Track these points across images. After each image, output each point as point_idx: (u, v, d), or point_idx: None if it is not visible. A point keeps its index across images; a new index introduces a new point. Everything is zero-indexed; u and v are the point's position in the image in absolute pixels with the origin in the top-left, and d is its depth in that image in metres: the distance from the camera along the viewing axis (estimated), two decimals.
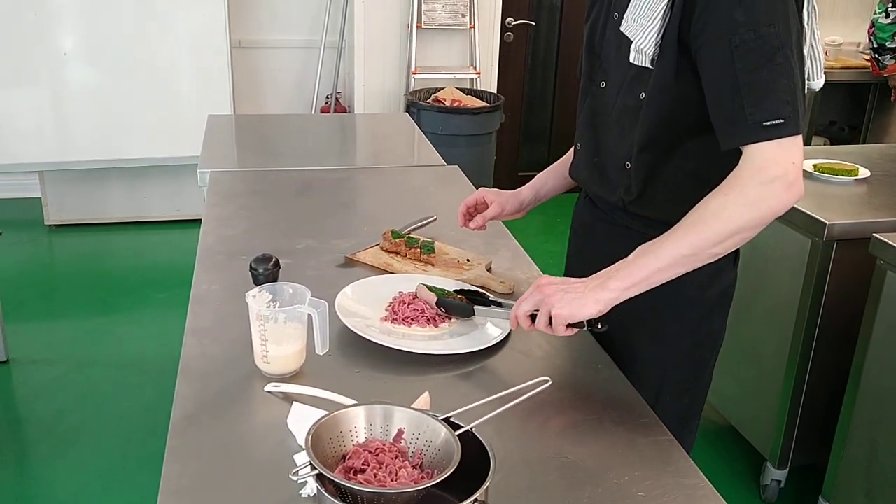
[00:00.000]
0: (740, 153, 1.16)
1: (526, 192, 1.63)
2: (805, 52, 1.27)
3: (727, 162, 1.17)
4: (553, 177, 1.63)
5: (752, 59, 1.13)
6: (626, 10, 1.28)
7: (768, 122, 1.12)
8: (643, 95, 1.30)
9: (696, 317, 1.41)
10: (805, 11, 1.24)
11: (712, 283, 1.39)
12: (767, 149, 1.13)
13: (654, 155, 1.32)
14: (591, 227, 1.52)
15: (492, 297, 1.43)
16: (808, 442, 2.37)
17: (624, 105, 1.34)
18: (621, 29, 1.29)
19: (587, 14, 1.44)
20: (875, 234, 2.00)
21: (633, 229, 1.39)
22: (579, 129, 1.48)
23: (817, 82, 1.32)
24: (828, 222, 2.11)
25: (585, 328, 1.20)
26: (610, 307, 1.18)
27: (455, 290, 1.44)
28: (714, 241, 1.15)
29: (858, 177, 2.48)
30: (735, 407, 2.60)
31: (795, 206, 2.18)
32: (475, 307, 1.39)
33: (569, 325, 1.19)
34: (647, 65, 1.27)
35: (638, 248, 1.20)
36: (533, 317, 1.22)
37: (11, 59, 3.74)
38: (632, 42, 1.27)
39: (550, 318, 1.19)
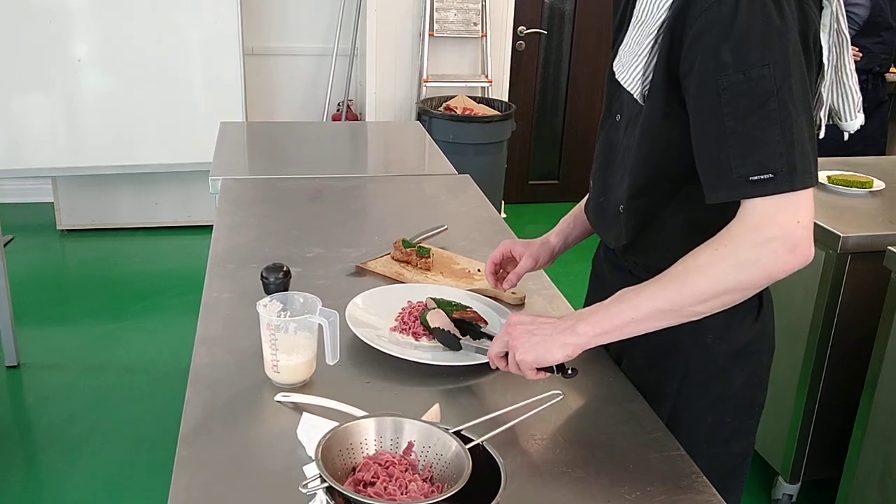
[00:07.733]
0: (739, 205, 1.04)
1: (554, 240, 1.50)
2: (824, 91, 1.15)
3: (729, 212, 1.05)
4: (581, 222, 1.49)
5: (740, 104, 1.00)
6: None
7: (755, 177, 0.99)
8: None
9: (704, 376, 1.26)
10: (825, 44, 1.09)
11: (723, 337, 1.24)
12: (765, 205, 1.00)
13: (647, 202, 1.21)
14: (600, 269, 1.46)
15: (483, 328, 1.37)
16: (821, 456, 2.34)
17: (627, 143, 1.22)
18: (613, 64, 1.20)
19: (612, 39, 1.30)
20: (890, 247, 1.98)
21: (635, 274, 1.29)
22: (594, 165, 1.37)
23: (852, 123, 1.19)
24: (842, 235, 2.10)
25: (555, 373, 1.13)
26: (578, 352, 1.10)
27: (460, 306, 1.42)
28: (696, 300, 1.04)
29: (873, 189, 2.46)
30: None
31: None
32: (462, 341, 1.33)
33: (539, 370, 1.13)
34: (641, 102, 1.16)
35: (619, 292, 1.10)
36: None
37: (26, 66, 3.77)
38: None
39: None
